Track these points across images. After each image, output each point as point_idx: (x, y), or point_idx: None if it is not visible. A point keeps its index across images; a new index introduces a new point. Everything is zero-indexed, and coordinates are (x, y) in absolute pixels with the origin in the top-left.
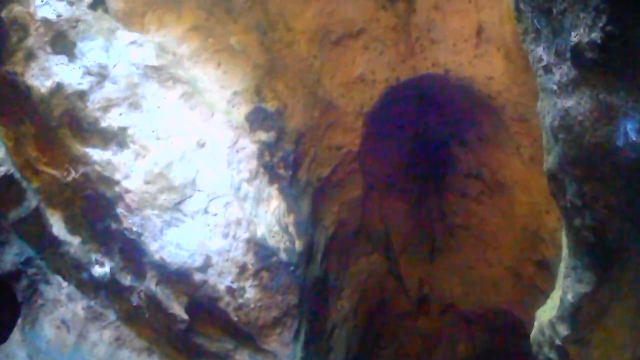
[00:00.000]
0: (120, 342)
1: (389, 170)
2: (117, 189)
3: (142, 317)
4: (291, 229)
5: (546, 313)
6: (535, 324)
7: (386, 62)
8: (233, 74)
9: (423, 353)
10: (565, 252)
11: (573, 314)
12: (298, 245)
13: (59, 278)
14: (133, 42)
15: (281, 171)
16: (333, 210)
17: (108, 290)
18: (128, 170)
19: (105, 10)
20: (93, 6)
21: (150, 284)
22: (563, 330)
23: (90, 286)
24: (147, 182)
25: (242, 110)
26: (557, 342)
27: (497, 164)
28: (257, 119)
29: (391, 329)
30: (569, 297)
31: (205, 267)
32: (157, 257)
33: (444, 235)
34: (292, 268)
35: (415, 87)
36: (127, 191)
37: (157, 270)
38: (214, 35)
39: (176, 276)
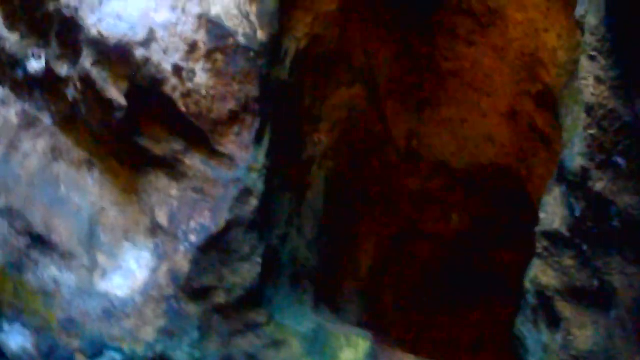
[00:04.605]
0: (57, 153)
1: None
2: None
3: (80, 117)
4: (253, 18)
5: None
6: None
7: None
8: None
9: (414, 217)
10: None
11: None
12: (261, 34)
13: None
14: None
15: None
16: (306, 21)
17: (43, 88)
18: None
19: None
20: None
21: (86, 63)
22: None
23: (24, 86)
24: None
25: None
26: None
27: None
28: None
29: (377, 184)
30: None
31: (148, 42)
32: (94, 31)
33: (433, 85)
34: (252, 54)
35: None
36: None
37: (94, 47)
38: None
39: (115, 53)
